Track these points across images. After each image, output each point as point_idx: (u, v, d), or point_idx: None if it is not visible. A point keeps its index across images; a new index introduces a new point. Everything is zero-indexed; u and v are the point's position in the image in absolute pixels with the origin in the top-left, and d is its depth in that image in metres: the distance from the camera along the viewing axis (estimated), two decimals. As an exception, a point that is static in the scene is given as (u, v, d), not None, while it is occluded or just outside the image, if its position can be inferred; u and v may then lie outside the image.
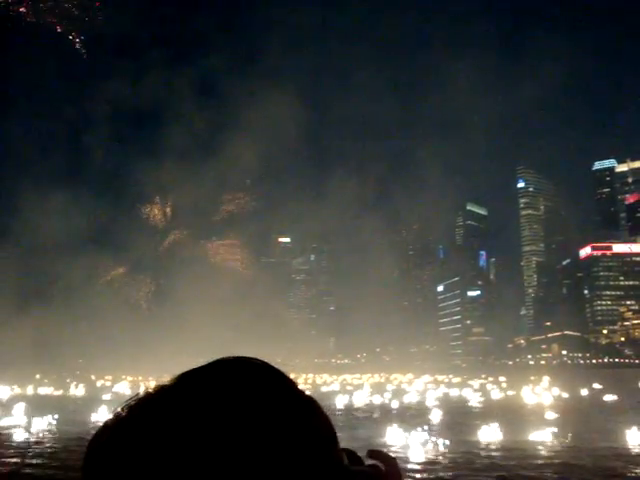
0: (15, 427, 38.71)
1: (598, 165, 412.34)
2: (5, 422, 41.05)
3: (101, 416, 44.64)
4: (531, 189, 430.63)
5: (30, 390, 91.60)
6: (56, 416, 38.71)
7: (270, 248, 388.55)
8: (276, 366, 1.23)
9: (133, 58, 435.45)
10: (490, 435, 33.36)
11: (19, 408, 45.48)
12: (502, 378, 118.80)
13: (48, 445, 30.52)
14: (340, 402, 63.76)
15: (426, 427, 31.58)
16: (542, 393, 72.91)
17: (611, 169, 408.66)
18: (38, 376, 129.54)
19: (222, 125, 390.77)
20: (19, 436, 34.36)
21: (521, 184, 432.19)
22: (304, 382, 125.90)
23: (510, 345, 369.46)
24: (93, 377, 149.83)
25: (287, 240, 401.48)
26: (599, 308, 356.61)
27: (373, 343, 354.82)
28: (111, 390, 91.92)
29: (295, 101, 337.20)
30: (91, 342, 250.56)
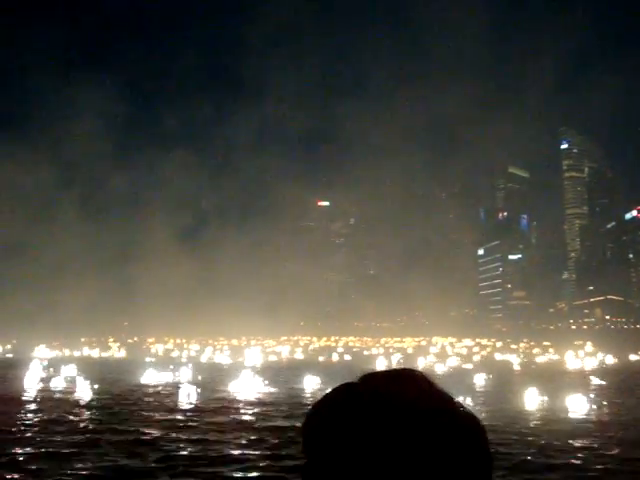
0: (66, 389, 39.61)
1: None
2: (55, 383, 42.06)
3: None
4: (575, 150, 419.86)
5: (77, 353, 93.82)
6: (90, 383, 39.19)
7: (310, 212, 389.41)
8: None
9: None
10: (534, 402, 33.09)
11: (67, 370, 46.55)
12: (546, 343, 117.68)
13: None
14: (381, 364, 63.95)
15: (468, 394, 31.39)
16: (586, 358, 72.08)
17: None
18: (83, 339, 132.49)
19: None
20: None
21: (565, 145, 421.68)
22: (346, 345, 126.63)
23: (552, 310, 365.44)
24: (136, 339, 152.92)
25: (327, 204, 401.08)
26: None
27: (412, 307, 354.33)
28: (153, 353, 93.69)
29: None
30: (137, 305, 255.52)
